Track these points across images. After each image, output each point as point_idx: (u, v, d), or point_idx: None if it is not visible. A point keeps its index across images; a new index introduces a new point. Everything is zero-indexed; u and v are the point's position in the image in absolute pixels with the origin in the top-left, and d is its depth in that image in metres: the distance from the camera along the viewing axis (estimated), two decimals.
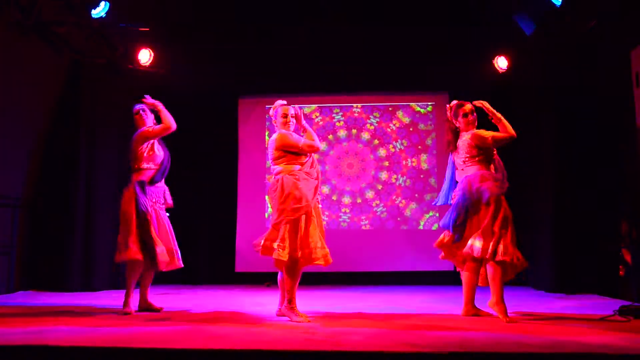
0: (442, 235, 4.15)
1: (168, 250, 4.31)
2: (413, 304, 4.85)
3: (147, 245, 4.16)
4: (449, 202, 4.19)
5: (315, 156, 4.11)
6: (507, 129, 3.98)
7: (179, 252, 4.41)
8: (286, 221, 3.79)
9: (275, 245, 3.80)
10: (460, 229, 3.97)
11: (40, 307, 4.55)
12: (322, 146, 7.49)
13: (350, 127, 7.61)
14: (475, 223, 3.93)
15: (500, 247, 3.78)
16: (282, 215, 3.80)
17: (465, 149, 4.04)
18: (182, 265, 4.44)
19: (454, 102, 4.20)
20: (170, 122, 4.39)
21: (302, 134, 4.11)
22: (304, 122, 4.16)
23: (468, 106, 4.12)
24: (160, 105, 4.46)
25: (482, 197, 3.88)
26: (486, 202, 3.87)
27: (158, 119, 4.52)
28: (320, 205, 4.13)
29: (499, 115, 4.03)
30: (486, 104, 4.06)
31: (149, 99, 4.50)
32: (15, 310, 4.40)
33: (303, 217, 3.82)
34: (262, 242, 3.88)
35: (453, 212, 4.00)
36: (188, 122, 7.25)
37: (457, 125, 4.14)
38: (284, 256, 3.75)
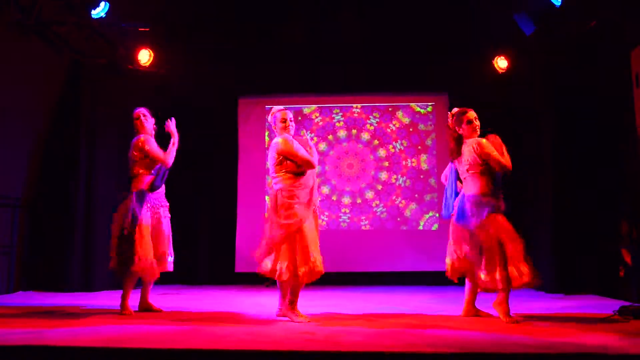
0: (450, 262, 4.10)
1: (160, 255, 4.30)
2: (413, 304, 4.85)
3: (127, 259, 4.11)
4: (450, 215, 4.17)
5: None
6: (508, 161, 3.88)
7: (171, 256, 4.40)
8: (280, 240, 3.80)
9: (277, 267, 3.80)
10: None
11: (39, 307, 4.55)
12: (322, 146, 7.50)
13: (350, 128, 7.61)
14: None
15: (514, 272, 3.71)
16: (279, 233, 3.80)
17: (470, 157, 3.95)
18: (172, 269, 4.42)
19: (456, 109, 4.14)
20: (169, 159, 4.32)
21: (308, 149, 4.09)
22: (311, 143, 4.12)
23: (472, 113, 4.05)
24: (175, 138, 4.40)
25: (471, 221, 3.86)
26: (480, 228, 3.83)
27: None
28: (317, 210, 4.11)
29: (504, 149, 3.94)
30: (498, 139, 3.98)
31: (171, 126, 4.45)
32: (15, 310, 4.40)
33: (300, 232, 3.80)
34: (270, 265, 3.86)
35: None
36: (188, 122, 7.26)
37: (460, 132, 4.07)
38: (284, 276, 3.77)
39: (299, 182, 3.91)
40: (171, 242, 4.42)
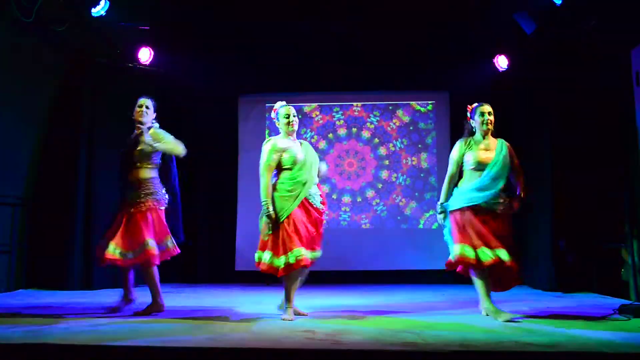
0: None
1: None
2: (413, 303, 4.86)
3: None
4: None
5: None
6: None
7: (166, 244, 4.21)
8: (263, 230, 3.89)
9: (257, 255, 3.92)
10: None
11: (40, 306, 4.56)
12: (323, 144, 7.51)
13: (351, 126, 7.61)
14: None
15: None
16: (263, 224, 3.90)
17: None
18: (179, 251, 4.25)
19: (475, 104, 4.19)
20: None
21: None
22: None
23: (486, 107, 4.11)
24: None
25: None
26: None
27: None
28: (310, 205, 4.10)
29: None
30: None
31: None
32: (15, 308, 4.40)
33: (282, 223, 3.84)
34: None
35: None
36: (188, 122, 7.28)
37: (474, 125, 4.14)
38: (263, 266, 3.85)
39: (285, 176, 3.95)
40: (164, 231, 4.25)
